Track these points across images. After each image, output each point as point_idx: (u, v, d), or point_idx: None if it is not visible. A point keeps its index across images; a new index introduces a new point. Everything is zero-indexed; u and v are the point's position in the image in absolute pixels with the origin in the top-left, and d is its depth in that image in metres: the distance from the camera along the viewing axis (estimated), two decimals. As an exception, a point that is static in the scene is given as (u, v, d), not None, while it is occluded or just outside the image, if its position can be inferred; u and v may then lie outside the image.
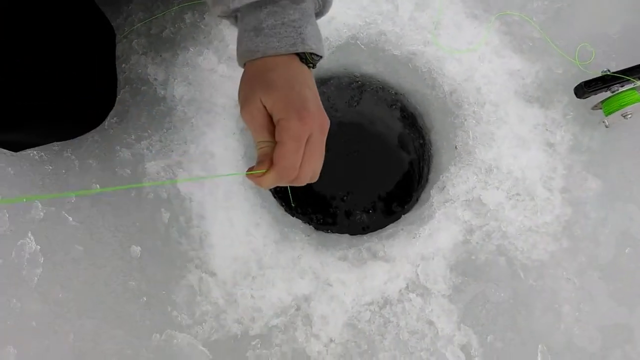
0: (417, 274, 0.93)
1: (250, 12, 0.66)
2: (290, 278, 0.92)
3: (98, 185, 0.97)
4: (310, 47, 0.66)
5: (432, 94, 1.04)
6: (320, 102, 0.66)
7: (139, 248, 0.95)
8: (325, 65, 1.09)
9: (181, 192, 0.95)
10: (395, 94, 1.13)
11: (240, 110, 0.65)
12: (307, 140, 0.62)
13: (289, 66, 0.65)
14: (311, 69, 0.69)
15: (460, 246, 0.94)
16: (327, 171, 1.16)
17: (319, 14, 0.72)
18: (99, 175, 0.98)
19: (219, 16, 0.71)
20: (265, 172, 0.62)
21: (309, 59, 0.67)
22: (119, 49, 1.03)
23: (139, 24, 1.05)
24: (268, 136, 0.63)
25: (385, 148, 1.18)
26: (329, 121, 0.66)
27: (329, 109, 1.17)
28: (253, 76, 0.66)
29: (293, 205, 1.03)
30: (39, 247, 0.95)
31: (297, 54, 0.67)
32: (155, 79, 1.01)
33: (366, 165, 1.16)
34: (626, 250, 0.94)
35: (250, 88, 0.64)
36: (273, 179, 0.63)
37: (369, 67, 1.10)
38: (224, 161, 0.97)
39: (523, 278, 0.93)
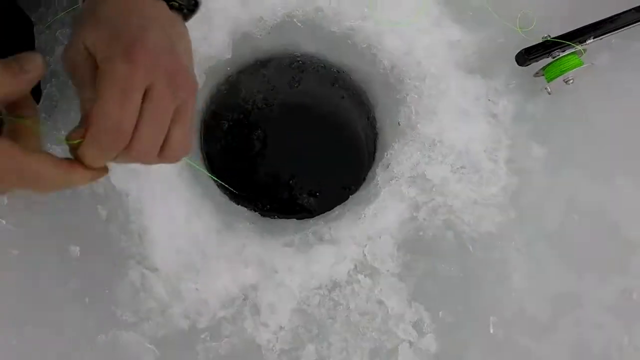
0: (365, 255, 0.91)
1: None
2: (235, 268, 0.90)
3: (31, 185, 0.93)
4: None
5: (374, 70, 1.02)
6: (184, 53, 0.48)
7: (77, 248, 0.91)
8: (263, 46, 1.05)
9: (117, 187, 0.92)
10: (338, 72, 1.10)
11: (62, 58, 0.48)
12: (146, 93, 0.43)
13: (135, 1, 0.46)
14: (180, 15, 0.50)
15: (407, 223, 0.93)
16: (271, 155, 1.15)
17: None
18: (30, 175, 0.94)
19: None
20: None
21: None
22: (42, 41, 0.97)
23: (62, 13, 0.99)
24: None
25: (331, 128, 1.15)
26: (188, 74, 0.47)
27: (270, 91, 1.13)
28: (83, 12, 0.48)
29: (237, 193, 0.99)
30: (-29, 254, 0.91)
31: None
32: (84, 70, 0.97)
33: (312, 147, 1.13)
34: (574, 217, 0.94)
35: (75, 28, 0.47)
36: (91, 148, 0.43)
37: (308, 46, 1.07)
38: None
39: (472, 251, 0.92)
